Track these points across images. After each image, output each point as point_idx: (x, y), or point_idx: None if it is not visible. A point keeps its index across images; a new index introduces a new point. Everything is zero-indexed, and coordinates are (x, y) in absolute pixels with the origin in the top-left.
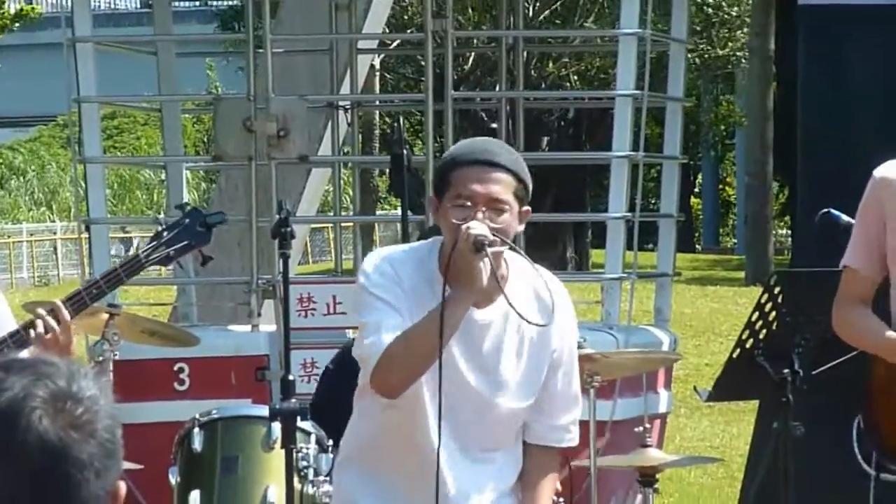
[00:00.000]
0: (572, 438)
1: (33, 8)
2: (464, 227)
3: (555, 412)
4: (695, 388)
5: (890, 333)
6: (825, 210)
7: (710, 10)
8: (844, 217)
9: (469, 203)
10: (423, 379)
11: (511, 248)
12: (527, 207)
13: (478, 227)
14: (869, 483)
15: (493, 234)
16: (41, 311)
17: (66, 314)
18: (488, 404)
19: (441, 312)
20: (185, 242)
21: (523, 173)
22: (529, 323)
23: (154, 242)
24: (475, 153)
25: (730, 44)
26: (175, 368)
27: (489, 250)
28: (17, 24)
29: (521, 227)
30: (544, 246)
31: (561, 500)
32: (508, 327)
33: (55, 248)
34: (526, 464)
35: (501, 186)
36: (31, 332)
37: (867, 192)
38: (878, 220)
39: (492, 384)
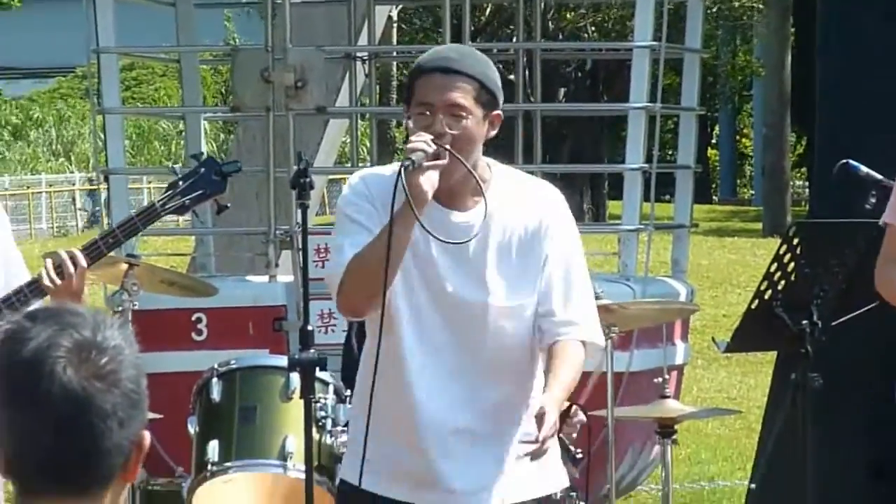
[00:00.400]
0: (589, 332)
1: None
2: (412, 138)
3: (560, 308)
4: (713, 339)
5: None
6: (844, 161)
7: None
8: (864, 168)
9: (428, 112)
10: (398, 297)
11: (456, 158)
12: (497, 112)
13: (417, 142)
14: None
15: (438, 146)
16: (62, 253)
17: (82, 261)
18: (482, 308)
19: (389, 226)
20: (201, 191)
21: (485, 78)
22: (438, 238)
23: (170, 192)
24: (436, 60)
25: None
26: (193, 318)
27: (426, 164)
28: None
29: (493, 132)
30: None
31: (579, 450)
32: (493, 226)
33: (74, 199)
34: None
35: (460, 93)
36: (45, 278)
37: None
38: None
39: (481, 286)
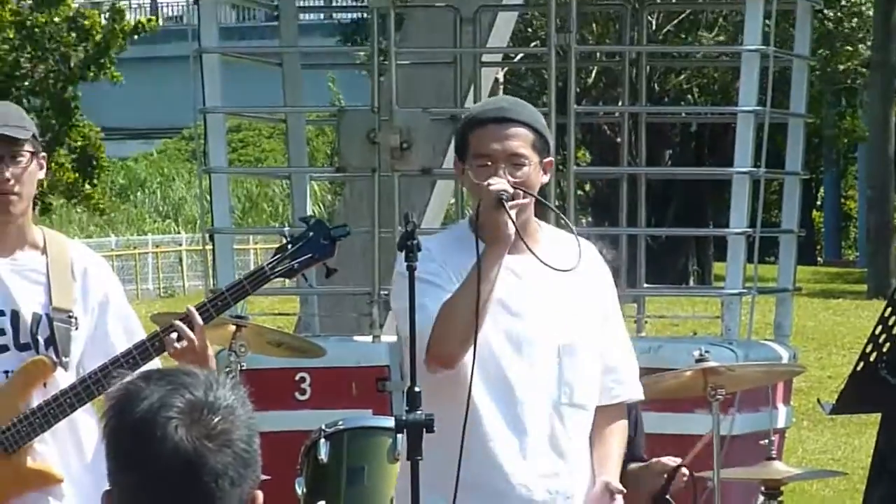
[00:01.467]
0: (633, 390)
1: (150, 20)
2: (484, 184)
3: (611, 365)
4: (818, 400)
5: None
6: None
7: (830, 25)
8: None
9: (489, 162)
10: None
11: (534, 199)
12: (549, 158)
13: (497, 182)
14: None
15: (514, 188)
16: (177, 322)
17: (198, 319)
18: (552, 345)
19: (478, 266)
20: (310, 255)
21: (538, 125)
22: (548, 266)
23: (279, 255)
24: (489, 112)
25: (851, 61)
26: (297, 378)
27: (508, 204)
28: (136, 36)
29: (546, 178)
30: (666, 259)
31: None
32: (538, 274)
33: (180, 260)
34: (594, 423)
35: (518, 141)
36: (166, 340)
37: None
38: None
39: (551, 323)
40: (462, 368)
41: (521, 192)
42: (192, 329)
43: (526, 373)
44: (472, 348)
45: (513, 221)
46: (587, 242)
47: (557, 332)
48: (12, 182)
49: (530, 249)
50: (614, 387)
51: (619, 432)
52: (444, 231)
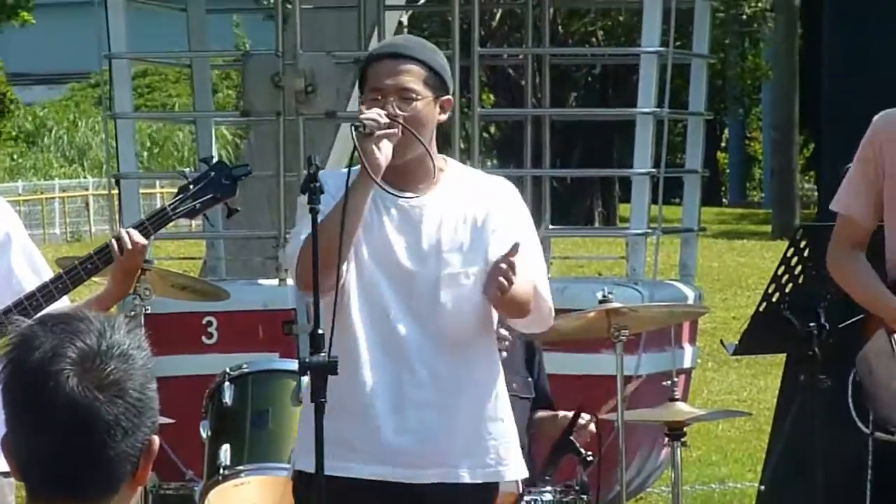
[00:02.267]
0: (547, 295)
1: None
2: (360, 115)
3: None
4: (721, 341)
5: (883, 290)
6: (850, 164)
7: None
8: None
9: (380, 96)
10: (350, 273)
11: (407, 130)
12: (447, 97)
13: (370, 112)
14: (867, 440)
15: (391, 119)
16: (125, 233)
17: (139, 238)
18: (433, 280)
19: (345, 196)
20: (211, 195)
21: (434, 63)
22: (390, 192)
23: (180, 195)
24: (386, 48)
25: (757, 3)
26: (203, 322)
27: (378, 133)
28: None
29: (444, 117)
30: (572, 200)
31: (590, 454)
32: (446, 205)
33: (87, 204)
34: None
35: (409, 77)
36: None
37: (865, 139)
38: (876, 167)
39: (432, 259)
40: (344, 296)
41: (395, 124)
42: (129, 247)
43: (405, 304)
44: (335, 279)
45: (378, 150)
46: (504, 181)
47: (442, 265)
48: None
49: (376, 181)
50: None
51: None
52: (346, 169)
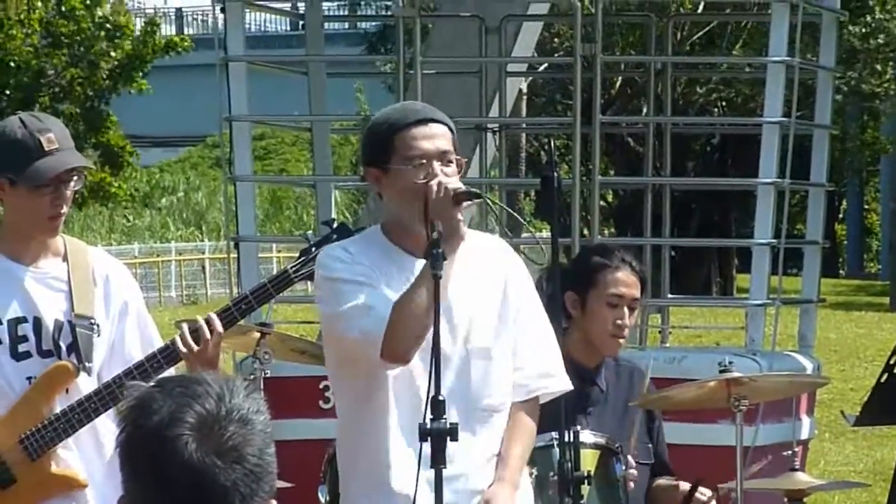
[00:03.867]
0: (555, 384)
1: (183, 39)
2: (435, 182)
3: (529, 361)
4: (842, 412)
5: None
6: None
7: (856, 42)
8: None
9: (423, 161)
10: None
11: (483, 200)
12: (461, 157)
13: (450, 180)
14: None
15: (468, 188)
16: (199, 319)
17: (219, 326)
18: (466, 359)
19: (430, 265)
20: None
21: (451, 124)
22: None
23: (302, 258)
24: (410, 115)
25: (877, 77)
26: (321, 386)
27: (467, 203)
28: (168, 55)
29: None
30: (689, 269)
31: None
32: (468, 276)
33: (203, 268)
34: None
35: (443, 139)
36: (180, 343)
37: None
38: None
39: (467, 338)
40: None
41: (476, 192)
42: (211, 334)
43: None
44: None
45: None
46: (492, 237)
47: (468, 336)
48: (65, 208)
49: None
50: (528, 383)
51: (523, 431)
52: (350, 239)
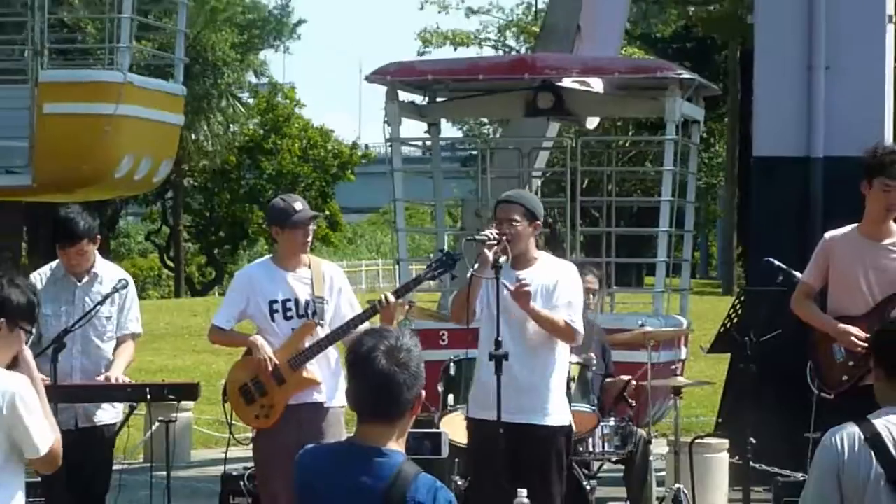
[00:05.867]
0: (573, 321)
1: (366, 154)
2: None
3: (563, 313)
4: (700, 346)
5: (830, 319)
6: (766, 259)
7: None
8: (777, 263)
9: (498, 222)
10: (483, 311)
11: (500, 242)
12: (538, 221)
13: (486, 232)
14: (812, 397)
15: (499, 236)
16: (385, 296)
17: (393, 299)
18: (527, 319)
19: (469, 281)
20: (443, 268)
21: (525, 202)
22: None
23: (427, 271)
24: (502, 197)
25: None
26: (440, 333)
27: (489, 243)
28: (361, 162)
29: (536, 233)
30: (627, 274)
31: (632, 401)
32: (536, 278)
33: (378, 273)
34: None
35: (511, 212)
36: (378, 307)
37: (818, 246)
38: (825, 263)
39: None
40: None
41: (497, 238)
42: (388, 303)
43: (508, 326)
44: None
45: (505, 249)
46: (569, 264)
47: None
48: (309, 239)
49: (474, 270)
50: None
51: (559, 318)
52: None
